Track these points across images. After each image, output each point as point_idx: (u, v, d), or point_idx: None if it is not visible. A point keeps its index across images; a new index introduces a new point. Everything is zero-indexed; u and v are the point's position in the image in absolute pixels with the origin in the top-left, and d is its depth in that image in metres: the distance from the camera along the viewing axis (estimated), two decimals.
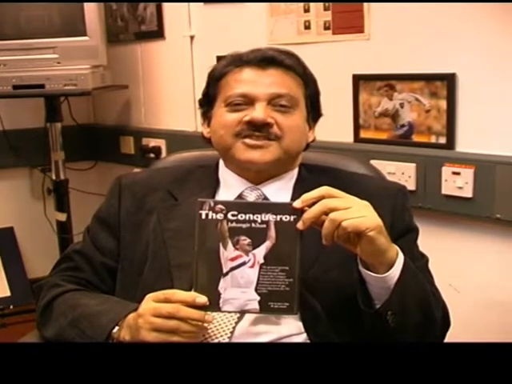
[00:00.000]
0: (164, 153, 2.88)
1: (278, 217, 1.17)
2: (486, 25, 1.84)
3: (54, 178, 2.87)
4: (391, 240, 1.22)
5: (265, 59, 1.38)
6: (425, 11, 1.95)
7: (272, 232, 1.17)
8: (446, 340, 1.38)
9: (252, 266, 1.18)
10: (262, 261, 1.18)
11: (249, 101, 1.36)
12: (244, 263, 1.18)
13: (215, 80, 1.43)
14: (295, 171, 1.45)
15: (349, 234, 1.15)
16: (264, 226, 1.17)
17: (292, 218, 1.17)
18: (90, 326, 1.28)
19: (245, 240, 1.18)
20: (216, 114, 1.41)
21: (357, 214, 1.14)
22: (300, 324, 1.29)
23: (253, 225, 1.18)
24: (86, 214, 1.58)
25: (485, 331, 1.91)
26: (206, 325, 1.20)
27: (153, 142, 2.96)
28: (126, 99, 3.17)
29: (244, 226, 1.18)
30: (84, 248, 1.46)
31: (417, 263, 1.33)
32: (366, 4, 2.10)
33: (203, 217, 1.19)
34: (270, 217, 1.17)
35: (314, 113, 1.45)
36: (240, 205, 1.22)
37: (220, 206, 1.19)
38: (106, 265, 1.43)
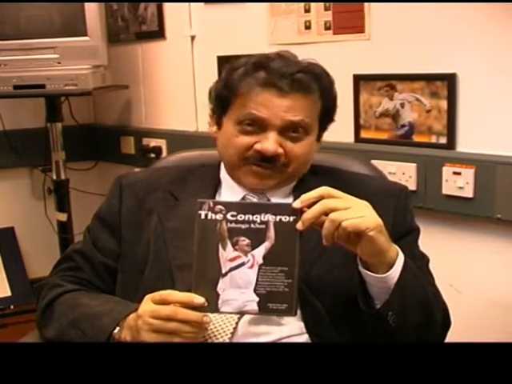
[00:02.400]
0: (164, 153, 2.88)
1: (278, 217, 1.17)
2: (487, 25, 1.84)
3: (54, 177, 2.87)
4: (392, 240, 1.22)
5: (289, 80, 1.31)
6: (425, 11, 1.95)
7: (271, 232, 1.17)
8: (446, 340, 1.37)
9: (251, 267, 1.18)
10: (261, 261, 1.17)
11: (262, 126, 1.33)
12: (243, 264, 1.18)
13: (231, 90, 1.36)
14: None
15: (349, 234, 1.15)
16: (263, 226, 1.17)
17: (291, 218, 1.17)
18: (90, 327, 1.28)
19: (244, 240, 1.17)
20: (226, 128, 1.38)
21: (357, 213, 1.14)
22: (301, 324, 1.29)
23: (252, 225, 1.17)
24: (87, 214, 1.58)
25: (485, 331, 1.91)
26: (205, 325, 1.20)
27: (153, 142, 2.96)
28: (126, 99, 3.17)
29: (243, 226, 1.17)
30: (84, 248, 1.46)
31: (417, 263, 1.33)
32: (366, 4, 2.10)
33: (202, 217, 1.18)
34: (270, 217, 1.17)
35: (326, 123, 1.43)
36: (239, 205, 1.22)
37: (219, 206, 1.18)
38: (106, 265, 1.43)
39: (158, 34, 2.88)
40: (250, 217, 1.17)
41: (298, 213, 1.17)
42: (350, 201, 1.17)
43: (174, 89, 2.86)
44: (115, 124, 3.27)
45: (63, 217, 2.85)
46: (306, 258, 1.25)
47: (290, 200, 1.36)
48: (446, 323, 1.36)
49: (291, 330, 1.29)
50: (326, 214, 1.15)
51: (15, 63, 2.63)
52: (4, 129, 3.06)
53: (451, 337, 1.38)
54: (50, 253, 2.74)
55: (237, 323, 1.27)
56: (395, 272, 1.19)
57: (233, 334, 1.27)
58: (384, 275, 1.19)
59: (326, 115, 1.41)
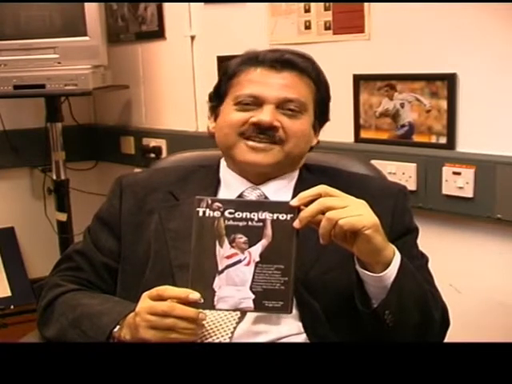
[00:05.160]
0: (165, 153, 2.88)
1: (275, 215, 1.17)
2: (487, 25, 1.84)
3: (54, 178, 2.87)
4: (390, 240, 1.22)
5: (280, 61, 1.37)
6: (425, 11, 1.95)
7: (268, 230, 1.17)
8: (446, 340, 1.37)
9: (247, 264, 1.18)
10: (257, 259, 1.18)
11: (258, 102, 1.36)
12: (239, 261, 1.18)
13: (228, 77, 1.42)
14: (296, 172, 1.45)
15: (345, 233, 1.15)
16: (261, 224, 1.17)
17: (289, 216, 1.17)
18: (91, 326, 1.28)
19: (241, 238, 1.18)
20: (224, 111, 1.41)
21: (353, 212, 1.14)
22: (300, 324, 1.29)
23: (249, 223, 1.18)
24: (87, 214, 1.58)
25: (485, 331, 1.91)
26: (204, 322, 1.20)
27: (153, 142, 2.96)
28: (126, 99, 3.17)
29: (241, 224, 1.18)
30: (85, 248, 1.46)
31: (416, 263, 1.33)
32: (366, 4, 2.10)
33: (200, 214, 1.19)
34: (267, 215, 1.17)
35: (321, 118, 1.45)
36: (237, 203, 1.23)
37: (217, 203, 1.19)
38: (106, 265, 1.43)
39: (158, 33, 2.88)
40: (248, 214, 1.18)
41: (296, 211, 1.17)
42: (346, 200, 1.17)
43: (174, 89, 2.86)
44: (115, 124, 3.27)
45: (63, 217, 2.85)
46: (304, 259, 1.25)
47: (287, 198, 1.36)
48: (445, 323, 1.36)
49: (290, 329, 1.28)
50: (323, 212, 1.15)
51: (15, 63, 2.63)
52: (4, 129, 3.07)
53: (451, 337, 1.38)
54: (50, 253, 2.75)
55: (237, 323, 1.27)
56: (391, 271, 1.19)
57: (233, 333, 1.27)
58: (380, 274, 1.19)
59: (321, 107, 1.43)
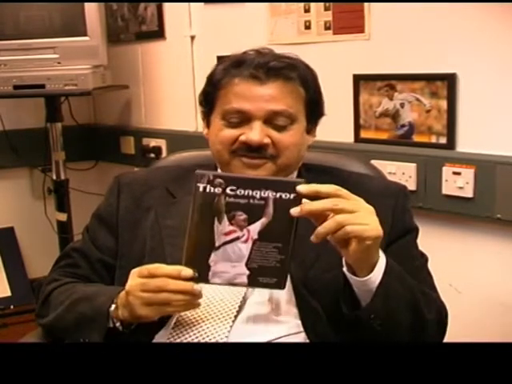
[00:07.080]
0: (164, 153, 2.88)
1: (278, 194, 1.14)
2: (487, 24, 1.84)
3: (54, 177, 2.87)
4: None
5: (265, 69, 1.35)
6: (425, 11, 1.95)
7: (270, 209, 1.14)
8: (446, 340, 1.37)
9: (245, 242, 1.15)
10: (256, 237, 1.15)
11: (245, 117, 1.34)
12: (237, 238, 1.16)
13: (213, 86, 1.40)
14: (295, 172, 1.44)
15: (345, 237, 1.14)
16: (262, 202, 1.14)
17: (292, 195, 1.13)
18: (88, 307, 1.29)
19: (241, 215, 1.14)
20: (213, 123, 1.40)
21: (362, 220, 1.12)
22: (299, 322, 1.29)
23: (251, 201, 1.14)
24: (87, 214, 1.58)
25: (485, 331, 1.91)
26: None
27: (153, 142, 2.96)
28: (126, 99, 3.17)
29: (242, 201, 1.14)
30: (83, 246, 1.47)
31: (416, 263, 1.33)
32: (366, 4, 2.10)
33: (201, 189, 1.15)
34: (270, 193, 1.14)
35: (315, 117, 1.43)
36: (240, 180, 1.17)
37: (219, 179, 1.15)
38: (104, 262, 1.44)
39: (158, 33, 2.88)
40: (250, 192, 1.14)
41: (301, 195, 1.13)
42: (358, 204, 1.15)
43: (174, 89, 2.86)
44: (115, 124, 3.27)
45: (63, 217, 2.86)
46: (304, 258, 1.25)
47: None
48: (443, 323, 1.35)
49: (289, 329, 1.29)
50: (328, 212, 1.13)
51: (15, 63, 2.63)
52: (4, 129, 3.06)
53: (451, 337, 1.38)
54: (50, 253, 2.73)
55: (233, 321, 1.27)
56: (376, 275, 1.18)
57: (229, 332, 1.26)
58: (364, 279, 1.18)
59: (313, 107, 1.41)
